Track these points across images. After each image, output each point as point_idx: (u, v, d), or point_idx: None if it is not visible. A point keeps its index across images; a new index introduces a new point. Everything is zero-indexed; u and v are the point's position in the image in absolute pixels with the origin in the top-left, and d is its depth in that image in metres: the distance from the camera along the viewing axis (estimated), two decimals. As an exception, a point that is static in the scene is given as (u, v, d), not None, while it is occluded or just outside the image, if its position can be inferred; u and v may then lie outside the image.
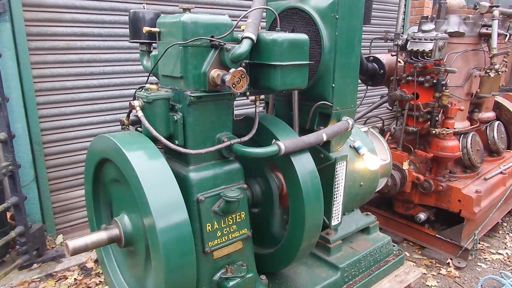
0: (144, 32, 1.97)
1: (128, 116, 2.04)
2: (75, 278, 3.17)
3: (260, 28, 1.99)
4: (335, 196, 2.46)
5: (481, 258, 3.81)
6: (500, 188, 4.10)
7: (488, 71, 3.72)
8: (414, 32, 3.58)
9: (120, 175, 1.79)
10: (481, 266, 3.67)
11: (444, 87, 3.52)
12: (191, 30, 1.78)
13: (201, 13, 1.86)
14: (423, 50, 3.41)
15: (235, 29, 1.89)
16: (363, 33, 2.36)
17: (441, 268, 3.61)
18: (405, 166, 3.69)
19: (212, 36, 1.83)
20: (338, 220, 2.58)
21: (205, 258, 1.91)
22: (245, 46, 1.83)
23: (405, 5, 6.10)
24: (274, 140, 2.05)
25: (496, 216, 4.06)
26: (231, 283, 1.93)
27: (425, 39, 3.42)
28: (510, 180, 4.25)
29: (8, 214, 3.24)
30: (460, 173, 3.93)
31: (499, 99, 4.74)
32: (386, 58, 3.84)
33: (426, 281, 3.41)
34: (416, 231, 3.97)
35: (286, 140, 2.04)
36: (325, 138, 2.19)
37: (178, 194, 1.67)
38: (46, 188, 3.50)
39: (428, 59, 3.45)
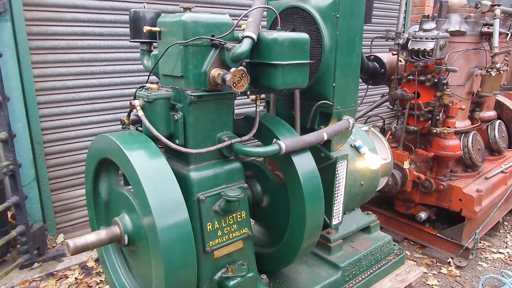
0: (144, 31, 1.97)
1: (129, 115, 2.04)
2: (76, 277, 3.17)
3: (260, 27, 1.99)
4: (335, 195, 2.46)
5: (482, 257, 3.81)
6: (501, 187, 4.09)
7: (489, 70, 3.71)
8: (415, 31, 3.57)
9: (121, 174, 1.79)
10: (482, 265, 3.67)
11: (445, 86, 3.51)
12: (191, 29, 1.78)
13: (202, 12, 1.86)
14: (424, 49, 3.40)
15: (235, 28, 1.89)
16: (363, 32, 2.36)
17: (441, 267, 3.61)
18: (406, 165, 3.68)
19: (213, 36, 1.83)
20: (338, 219, 2.58)
21: (205, 257, 1.91)
22: (245, 45, 1.83)
23: (406, 4, 6.08)
24: (274, 139, 2.05)
25: (497, 215, 4.05)
26: (231, 283, 1.93)
27: (426, 38, 3.41)
28: (511, 179, 4.24)
29: (9, 214, 3.25)
30: (461, 172, 3.92)
31: (500, 98, 4.73)
32: (387, 57, 3.83)
33: (427, 280, 3.41)
34: (416, 230, 3.97)
35: (286, 140, 2.04)
36: (325, 138, 2.19)
37: (179, 194, 1.67)
38: (46, 188, 3.50)
39: (429, 58, 3.44)
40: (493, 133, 4.30)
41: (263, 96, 2.22)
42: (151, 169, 1.67)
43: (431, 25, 3.54)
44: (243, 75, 1.80)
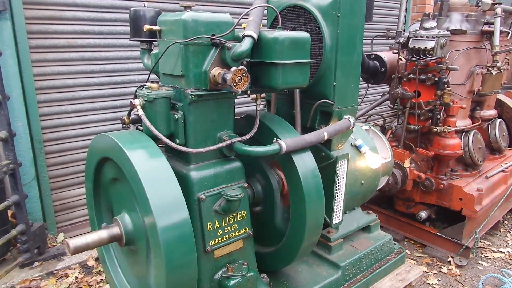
0: (145, 30, 1.96)
1: (129, 114, 2.04)
2: (76, 276, 3.17)
3: (261, 26, 1.98)
4: (336, 195, 2.46)
5: (482, 256, 3.81)
6: (502, 186, 4.09)
7: (490, 69, 3.70)
8: (415, 30, 3.56)
9: (121, 174, 1.78)
10: (482, 264, 3.67)
11: (446, 85, 3.50)
12: (192, 28, 1.77)
13: (202, 11, 1.85)
14: (425, 47, 3.39)
15: (236, 27, 1.88)
16: (364, 30, 2.35)
17: (442, 266, 3.61)
18: (406, 164, 3.68)
19: (213, 35, 1.82)
20: (339, 219, 2.57)
21: (206, 257, 1.91)
22: (246, 44, 1.82)
23: (406, 3, 6.08)
24: (275, 138, 2.04)
25: (497, 214, 4.05)
26: (232, 282, 1.93)
27: (427, 37, 3.40)
28: (511, 178, 4.24)
29: (9, 213, 3.25)
30: (461, 171, 3.92)
31: (501, 97, 4.73)
32: (387, 55, 3.82)
33: (427, 279, 3.41)
34: (417, 229, 3.97)
35: (287, 139, 2.04)
36: (326, 137, 2.19)
37: (179, 193, 1.66)
38: (47, 186, 3.50)
39: (430, 57, 3.44)
40: (494, 132, 4.30)
41: (263, 95, 2.21)
42: (151, 168, 1.67)
43: (431, 23, 3.53)
44: (244, 74, 1.79)
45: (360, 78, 2.51)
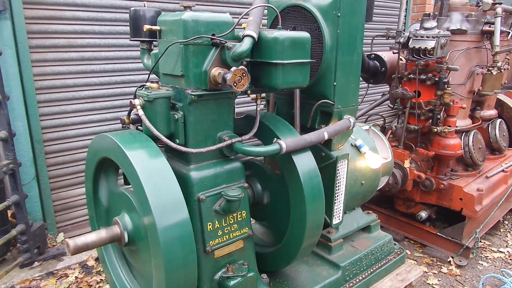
0: (144, 30, 1.96)
1: (129, 114, 2.04)
2: (76, 276, 3.17)
3: (261, 26, 1.98)
4: (336, 195, 2.46)
5: (483, 256, 3.81)
6: (502, 186, 4.09)
7: (490, 68, 3.70)
8: (416, 30, 3.55)
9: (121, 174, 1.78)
10: (482, 264, 3.67)
11: (446, 85, 3.50)
12: (192, 28, 1.77)
13: (202, 11, 1.85)
14: (425, 47, 3.39)
15: (236, 27, 1.88)
16: (364, 30, 2.35)
17: (442, 267, 3.61)
18: (407, 164, 3.68)
19: (213, 34, 1.82)
20: (339, 219, 2.57)
21: (206, 257, 1.91)
22: (246, 44, 1.82)
23: (406, 2, 6.07)
24: (275, 139, 2.04)
25: (497, 214, 4.05)
26: (232, 282, 1.93)
27: (427, 37, 3.40)
28: (511, 178, 4.23)
29: (9, 212, 3.24)
30: (461, 171, 3.92)
31: (501, 96, 4.72)
32: (387, 55, 3.82)
33: (427, 279, 3.41)
34: (417, 229, 3.97)
35: (287, 139, 2.03)
36: (326, 137, 2.19)
37: (179, 193, 1.66)
38: (47, 186, 3.50)
39: (430, 57, 3.43)
40: (494, 132, 4.29)
41: (263, 95, 2.21)
42: (151, 168, 1.66)
43: (432, 23, 3.53)
44: (244, 74, 1.79)
45: (360, 78, 2.50)
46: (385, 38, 3.81)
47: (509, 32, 3.84)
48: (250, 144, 2.10)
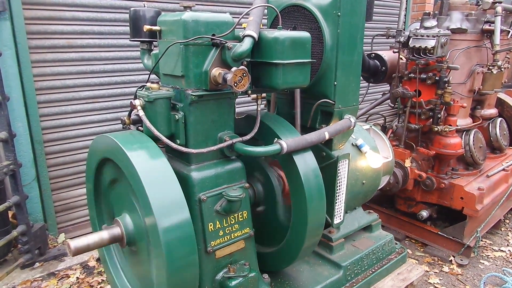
0: (144, 30, 1.96)
1: (129, 115, 2.03)
2: (77, 277, 3.17)
3: (261, 25, 1.97)
4: (337, 195, 2.45)
5: (484, 255, 3.81)
6: (503, 185, 4.09)
7: (490, 67, 3.70)
8: (416, 29, 3.55)
9: (121, 175, 1.78)
10: (483, 263, 3.67)
11: (446, 84, 3.50)
12: (192, 28, 1.77)
13: (202, 11, 1.84)
14: (425, 47, 3.39)
15: (236, 27, 1.88)
16: (364, 29, 2.35)
17: (443, 266, 3.61)
18: (407, 163, 3.67)
19: (213, 35, 1.81)
20: (340, 219, 2.57)
21: (207, 257, 1.91)
22: (246, 44, 1.82)
23: (406, 2, 6.07)
24: (276, 138, 2.04)
25: (498, 213, 4.05)
26: (233, 283, 1.93)
27: (427, 36, 3.40)
28: (512, 177, 4.23)
29: (10, 213, 3.24)
30: (462, 170, 3.92)
31: (502, 95, 4.72)
32: (388, 55, 3.82)
33: (429, 278, 3.41)
34: (418, 229, 3.97)
35: (288, 139, 2.03)
36: (327, 137, 2.18)
37: (180, 194, 1.66)
38: (47, 187, 3.49)
39: (430, 56, 3.43)
40: (495, 131, 4.29)
41: (264, 95, 2.21)
42: (152, 169, 1.66)
43: (432, 22, 3.53)
44: (244, 74, 1.78)
45: (361, 78, 2.50)
46: (385, 37, 3.81)
47: (509, 31, 3.83)
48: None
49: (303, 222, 2.11)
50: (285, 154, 2.01)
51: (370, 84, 3.99)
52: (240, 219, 2.01)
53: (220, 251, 1.95)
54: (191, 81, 1.82)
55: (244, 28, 1.92)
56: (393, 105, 4.04)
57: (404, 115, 3.80)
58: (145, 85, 1.91)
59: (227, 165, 2.00)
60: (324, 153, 2.42)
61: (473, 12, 3.71)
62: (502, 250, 3.89)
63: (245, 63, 1.90)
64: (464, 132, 3.89)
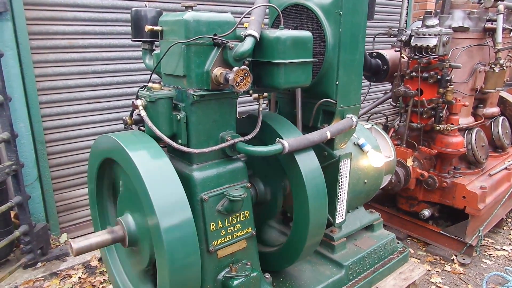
0: (146, 30, 1.96)
1: (131, 115, 2.03)
2: (79, 277, 3.18)
3: (263, 25, 1.97)
4: (339, 194, 2.45)
5: (486, 254, 3.80)
6: (505, 184, 4.08)
7: (492, 66, 3.69)
8: (418, 27, 3.54)
9: (123, 175, 1.78)
10: (485, 262, 3.66)
11: (448, 83, 3.49)
12: (193, 28, 1.77)
13: (204, 11, 1.84)
14: (427, 45, 3.38)
15: (238, 27, 1.88)
16: (366, 28, 2.34)
17: (445, 265, 3.60)
18: (409, 162, 3.67)
19: (215, 34, 1.81)
20: (342, 218, 2.57)
21: (209, 257, 1.91)
22: (248, 44, 1.82)
23: (408, 0, 6.06)
24: (278, 138, 2.04)
25: (500, 212, 4.04)
26: (235, 282, 1.93)
27: (429, 35, 3.39)
28: (515, 176, 4.22)
29: (12, 213, 3.26)
30: (464, 169, 3.91)
31: (504, 94, 4.70)
32: (389, 53, 3.81)
33: (431, 278, 3.40)
34: (420, 228, 3.96)
35: (289, 138, 2.03)
36: (329, 136, 2.18)
37: (182, 194, 1.66)
38: (49, 187, 3.50)
39: (432, 55, 3.42)
40: (497, 129, 4.28)
41: (265, 94, 2.21)
42: (154, 169, 1.66)
43: (434, 21, 3.52)
44: (246, 74, 1.78)
45: (362, 77, 2.50)
46: (387, 36, 3.80)
47: (511, 29, 3.82)
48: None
49: (305, 221, 2.11)
50: (287, 154, 2.00)
51: (372, 83, 3.98)
52: (242, 219, 2.01)
53: (222, 250, 1.95)
54: (192, 81, 1.82)
55: (246, 27, 1.92)
56: (395, 104, 4.03)
57: (406, 114, 3.79)
58: (147, 85, 1.91)
59: (229, 165, 2.00)
60: (326, 153, 2.41)
61: (475, 10, 3.69)
62: (504, 249, 3.88)
63: (246, 62, 1.90)
64: (466, 131, 3.88)
